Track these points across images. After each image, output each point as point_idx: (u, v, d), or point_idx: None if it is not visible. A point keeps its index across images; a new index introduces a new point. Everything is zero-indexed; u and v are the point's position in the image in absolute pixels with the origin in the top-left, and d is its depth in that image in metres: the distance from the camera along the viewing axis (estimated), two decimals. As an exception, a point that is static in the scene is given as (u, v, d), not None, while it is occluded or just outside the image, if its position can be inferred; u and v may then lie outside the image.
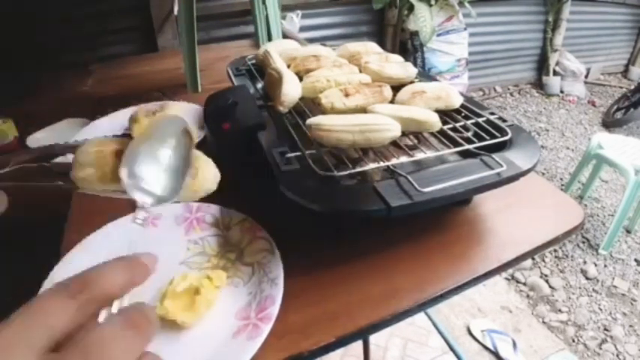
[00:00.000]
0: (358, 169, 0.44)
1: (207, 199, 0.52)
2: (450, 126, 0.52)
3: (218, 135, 0.55)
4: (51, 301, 0.19)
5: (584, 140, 2.70)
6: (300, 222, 0.47)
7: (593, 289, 1.60)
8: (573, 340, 1.39)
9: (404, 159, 0.48)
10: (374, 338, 1.32)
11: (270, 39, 1.16)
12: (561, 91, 3.36)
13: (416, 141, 0.52)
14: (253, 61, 0.74)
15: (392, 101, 0.56)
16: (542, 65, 3.41)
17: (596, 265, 1.70)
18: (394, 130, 0.47)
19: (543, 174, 2.33)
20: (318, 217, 0.39)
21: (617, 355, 1.35)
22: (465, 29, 2.61)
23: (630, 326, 1.45)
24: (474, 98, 0.64)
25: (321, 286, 0.42)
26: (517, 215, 0.52)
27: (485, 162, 0.44)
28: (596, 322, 1.46)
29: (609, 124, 2.96)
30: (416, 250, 0.46)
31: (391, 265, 0.45)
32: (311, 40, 1.52)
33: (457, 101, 0.55)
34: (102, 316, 0.21)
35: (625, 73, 3.98)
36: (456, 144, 0.49)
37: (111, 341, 0.19)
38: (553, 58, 3.31)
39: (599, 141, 1.86)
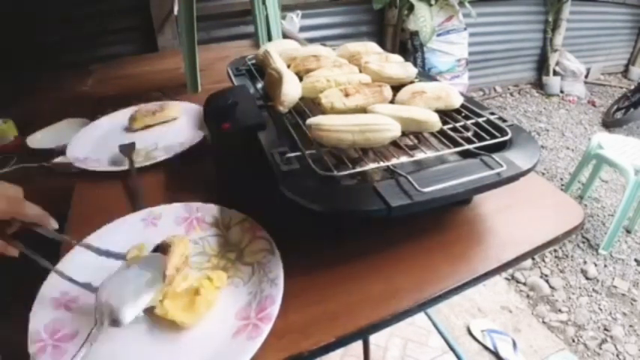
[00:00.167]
0: (358, 169, 0.44)
1: (208, 198, 0.52)
2: (450, 126, 0.52)
3: (218, 135, 0.55)
4: None
5: (584, 140, 2.70)
6: (300, 222, 0.47)
7: (593, 289, 1.60)
8: (573, 340, 1.39)
9: (404, 159, 0.48)
10: (374, 338, 1.32)
11: (270, 39, 1.16)
12: (561, 91, 3.36)
13: (416, 141, 0.52)
14: (253, 61, 0.74)
15: (392, 101, 0.56)
16: (542, 65, 3.41)
17: (596, 265, 1.70)
18: (394, 130, 0.47)
19: (543, 174, 2.33)
20: (318, 217, 0.39)
21: (617, 355, 1.35)
22: (465, 29, 2.60)
23: (630, 326, 1.45)
24: (474, 98, 0.64)
25: (321, 286, 0.42)
26: (517, 215, 0.52)
27: (485, 162, 0.44)
28: (596, 322, 1.46)
29: (609, 124, 2.96)
30: (416, 250, 0.46)
31: (391, 265, 0.45)
32: (311, 40, 1.52)
33: (457, 101, 0.55)
34: None
35: (625, 73, 3.97)
36: (456, 144, 0.49)
37: None
38: (553, 58, 3.31)
39: (599, 141, 1.86)
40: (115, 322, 0.35)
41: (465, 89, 2.73)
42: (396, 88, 0.58)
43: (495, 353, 1.31)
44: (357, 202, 0.39)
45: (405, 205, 0.38)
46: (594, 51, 3.68)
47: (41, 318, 0.38)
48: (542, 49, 3.36)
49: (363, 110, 0.52)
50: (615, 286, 1.61)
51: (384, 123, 0.46)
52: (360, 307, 0.40)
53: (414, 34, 2.48)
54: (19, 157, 0.84)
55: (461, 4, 2.50)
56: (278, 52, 0.67)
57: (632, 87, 3.20)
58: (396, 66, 0.62)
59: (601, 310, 1.51)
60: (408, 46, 2.58)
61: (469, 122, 0.52)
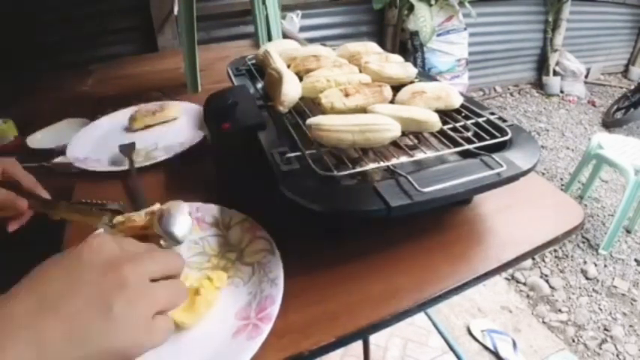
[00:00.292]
0: (358, 169, 0.44)
1: (208, 198, 0.52)
2: (450, 126, 0.52)
3: (218, 135, 0.55)
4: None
5: (584, 140, 2.70)
6: (300, 222, 0.47)
7: (593, 289, 1.60)
8: (573, 340, 1.39)
9: (404, 159, 0.48)
10: (374, 338, 1.32)
11: (270, 39, 1.16)
12: (561, 91, 3.36)
13: (416, 141, 0.52)
14: (253, 61, 0.74)
15: (392, 101, 0.56)
16: (542, 65, 3.41)
17: (596, 265, 1.70)
18: (394, 130, 0.47)
19: (543, 174, 2.33)
20: (318, 217, 0.39)
21: (617, 355, 1.35)
22: (465, 29, 2.61)
23: (630, 326, 1.45)
24: (474, 98, 0.64)
25: (321, 286, 0.42)
26: (517, 215, 0.52)
27: (485, 162, 0.44)
28: (596, 322, 1.46)
29: (609, 124, 2.96)
30: (416, 250, 0.46)
31: (391, 265, 0.45)
32: (311, 40, 1.52)
33: (457, 101, 0.55)
34: None
35: (625, 73, 3.98)
36: (456, 144, 0.49)
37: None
38: (553, 58, 3.31)
39: (599, 141, 1.86)
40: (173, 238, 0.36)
41: (465, 89, 2.73)
42: (396, 88, 0.58)
43: (495, 353, 1.31)
44: (357, 202, 0.39)
45: (405, 205, 0.38)
46: (594, 51, 3.69)
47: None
48: (542, 49, 3.36)
49: (363, 110, 0.52)
50: (615, 286, 1.61)
51: (384, 123, 0.46)
52: (360, 307, 0.40)
53: (414, 34, 2.48)
54: (19, 157, 0.84)
55: (461, 4, 2.50)
56: (278, 52, 0.67)
57: (632, 87, 3.20)
58: (396, 66, 0.62)
59: (601, 310, 1.51)
60: (408, 46, 2.58)
61: (469, 122, 0.52)
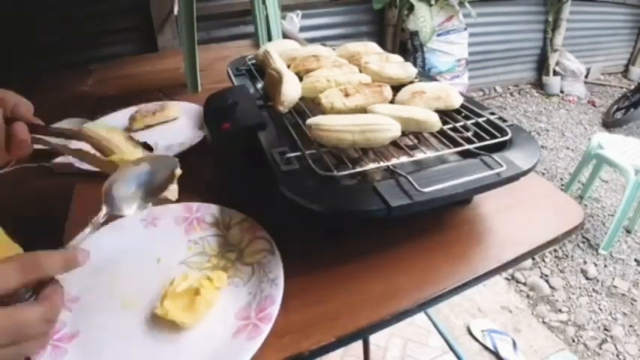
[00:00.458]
0: (358, 169, 0.44)
1: (208, 198, 0.52)
2: (450, 126, 0.52)
3: (218, 135, 0.55)
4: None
5: (584, 140, 2.70)
6: (300, 222, 0.47)
7: (593, 289, 1.60)
8: (573, 340, 1.39)
9: (404, 159, 0.48)
10: (374, 338, 1.32)
11: (270, 39, 1.16)
12: (561, 91, 3.36)
13: (416, 141, 0.52)
14: (253, 61, 0.74)
15: (392, 101, 0.56)
16: (542, 65, 3.41)
17: (596, 265, 1.70)
18: (394, 130, 0.47)
19: (543, 174, 2.33)
20: (318, 217, 0.39)
21: (617, 355, 1.35)
22: (465, 29, 2.60)
23: (630, 326, 1.45)
24: (474, 98, 0.64)
25: (321, 286, 0.42)
26: (517, 215, 0.52)
27: (485, 162, 0.44)
28: (596, 322, 1.46)
29: (609, 124, 2.96)
30: (416, 250, 0.46)
31: (391, 265, 0.45)
32: (311, 40, 1.52)
33: (457, 101, 0.55)
34: None
35: (625, 73, 3.97)
36: (456, 144, 0.49)
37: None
38: (553, 58, 3.31)
39: (599, 141, 1.86)
40: (118, 210, 0.37)
41: (465, 89, 2.73)
42: (396, 88, 0.58)
43: (495, 353, 1.31)
44: (357, 202, 0.39)
45: (405, 205, 0.38)
46: (594, 51, 3.69)
47: (41, 318, 0.38)
48: (542, 49, 3.36)
49: (363, 110, 0.52)
50: (615, 286, 1.61)
51: (384, 123, 0.46)
52: (360, 307, 0.40)
53: (414, 34, 2.48)
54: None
55: (461, 4, 2.50)
56: (278, 52, 0.67)
57: (632, 87, 3.20)
58: (396, 66, 0.62)
59: (601, 310, 1.51)
60: (408, 46, 2.58)
61: (469, 122, 0.52)
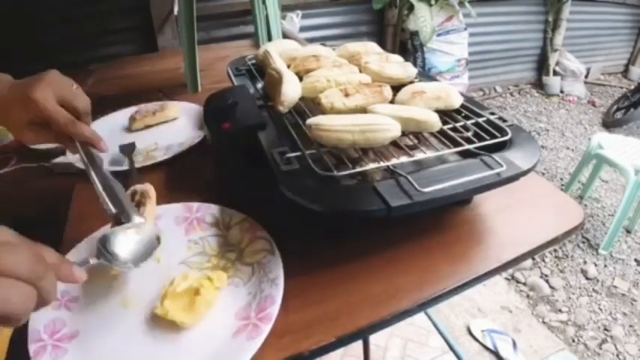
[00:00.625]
0: (358, 169, 0.44)
1: (207, 198, 0.52)
2: (450, 126, 0.52)
3: (218, 135, 0.55)
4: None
5: (584, 140, 2.70)
6: (300, 222, 0.47)
7: (593, 289, 1.60)
8: (573, 340, 1.39)
9: (404, 159, 0.48)
10: (374, 338, 1.32)
11: (270, 39, 1.16)
12: (561, 91, 3.36)
13: (416, 141, 0.52)
14: (253, 61, 0.74)
15: (392, 101, 0.56)
16: (542, 65, 3.41)
17: (596, 265, 1.70)
18: (394, 130, 0.47)
19: (543, 174, 2.33)
20: (318, 217, 0.39)
21: (617, 355, 1.35)
22: (465, 29, 2.60)
23: (630, 326, 1.45)
24: (474, 98, 0.64)
25: (321, 286, 0.42)
26: (517, 215, 0.52)
27: (485, 162, 0.44)
28: (596, 322, 1.46)
29: (609, 124, 2.96)
30: (416, 250, 0.46)
31: (391, 265, 0.45)
32: (311, 40, 1.52)
33: (457, 101, 0.55)
34: None
35: (625, 73, 3.97)
36: (456, 144, 0.49)
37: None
38: (553, 58, 3.31)
39: (599, 141, 1.86)
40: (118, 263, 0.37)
41: (465, 89, 2.73)
42: (396, 88, 0.58)
43: (495, 353, 1.31)
44: (357, 202, 0.39)
45: (405, 205, 0.38)
46: (594, 51, 3.68)
47: (41, 318, 0.38)
48: (542, 49, 3.36)
49: (363, 110, 0.52)
50: (615, 286, 1.61)
51: (384, 123, 0.46)
52: (360, 307, 0.40)
53: (414, 34, 2.48)
54: (19, 157, 0.84)
55: (461, 4, 2.50)
56: (278, 52, 0.67)
57: (632, 87, 3.20)
58: (396, 66, 0.62)
59: (601, 310, 1.51)
60: (408, 46, 2.58)
61: (469, 122, 0.52)
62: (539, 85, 3.45)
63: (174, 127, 0.78)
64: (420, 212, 0.41)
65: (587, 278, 1.65)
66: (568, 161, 2.47)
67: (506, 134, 0.48)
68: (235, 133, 0.52)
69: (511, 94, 3.32)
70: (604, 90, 3.60)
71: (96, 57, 1.62)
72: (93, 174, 0.43)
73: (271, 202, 0.44)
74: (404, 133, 0.49)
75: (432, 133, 0.51)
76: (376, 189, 0.39)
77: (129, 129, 0.77)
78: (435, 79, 0.64)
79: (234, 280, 0.43)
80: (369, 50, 0.71)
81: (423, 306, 0.41)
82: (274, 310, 0.38)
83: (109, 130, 0.77)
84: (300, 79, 0.58)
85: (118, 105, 0.84)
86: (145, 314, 0.39)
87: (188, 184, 0.60)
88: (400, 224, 0.48)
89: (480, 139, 0.49)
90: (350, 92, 0.52)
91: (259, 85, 0.66)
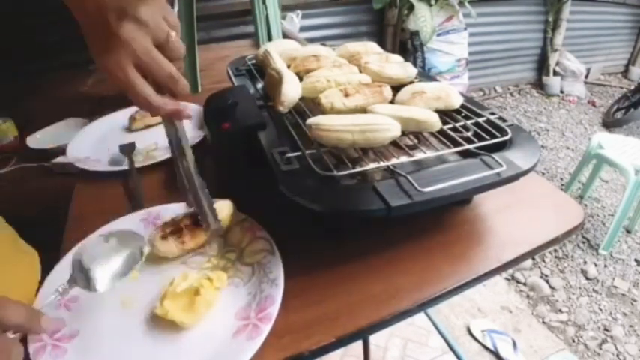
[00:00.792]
0: (358, 169, 0.44)
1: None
2: (450, 126, 0.52)
3: (218, 135, 0.55)
4: None
5: (584, 140, 2.70)
6: (300, 222, 0.47)
7: (593, 289, 1.60)
8: (573, 340, 1.39)
9: (404, 159, 0.48)
10: (374, 338, 1.32)
11: (270, 39, 1.16)
12: (561, 91, 3.36)
13: (416, 141, 0.52)
14: (253, 61, 0.74)
15: (392, 101, 0.56)
16: (542, 65, 3.41)
17: (596, 265, 1.70)
18: (394, 130, 0.47)
19: (543, 174, 2.33)
20: (318, 217, 0.39)
21: (617, 355, 1.35)
22: (465, 29, 2.61)
23: (630, 326, 1.45)
24: (474, 98, 0.64)
25: (321, 286, 0.42)
26: (517, 215, 0.52)
27: (485, 162, 0.44)
28: (596, 322, 1.46)
29: (609, 124, 2.96)
30: (416, 250, 0.46)
31: (391, 265, 0.45)
32: (311, 40, 1.52)
33: (457, 101, 0.55)
34: None
35: (625, 73, 3.98)
36: (456, 144, 0.49)
37: None
38: (553, 58, 3.31)
39: (599, 141, 1.86)
40: (90, 285, 0.37)
41: (465, 89, 2.73)
42: (396, 88, 0.58)
43: (495, 353, 1.31)
44: (357, 202, 0.39)
45: (405, 205, 0.38)
46: (594, 51, 3.69)
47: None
48: (542, 49, 3.36)
49: (363, 110, 0.52)
50: (615, 286, 1.61)
51: (384, 123, 0.46)
52: (360, 307, 0.40)
53: (414, 34, 2.48)
54: (19, 157, 0.84)
55: (461, 4, 2.50)
56: (278, 52, 0.67)
57: (632, 87, 3.20)
58: (396, 66, 0.62)
59: (601, 310, 1.51)
60: (408, 46, 2.58)
61: (469, 122, 0.52)
62: (539, 85, 3.45)
63: (174, 127, 0.77)
64: (420, 212, 0.41)
65: (587, 278, 1.65)
66: (568, 161, 2.47)
67: (506, 134, 0.48)
68: (235, 133, 0.52)
69: (511, 94, 3.33)
70: (604, 90, 3.60)
71: (96, 57, 1.61)
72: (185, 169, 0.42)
73: (271, 202, 0.44)
74: (404, 133, 0.49)
75: (432, 133, 0.51)
76: (376, 189, 0.39)
77: (129, 129, 0.77)
78: (435, 79, 0.64)
79: (234, 280, 0.43)
80: (369, 50, 0.71)
81: (423, 306, 0.41)
82: (274, 310, 0.38)
83: (109, 130, 0.77)
84: (300, 79, 0.58)
85: (118, 105, 0.83)
86: (145, 314, 0.39)
87: (188, 184, 0.60)
88: (400, 224, 0.48)
89: (480, 139, 0.49)
90: (350, 92, 0.52)
91: (259, 85, 0.66)
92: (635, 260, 1.73)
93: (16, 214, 0.56)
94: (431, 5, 2.37)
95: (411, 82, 0.60)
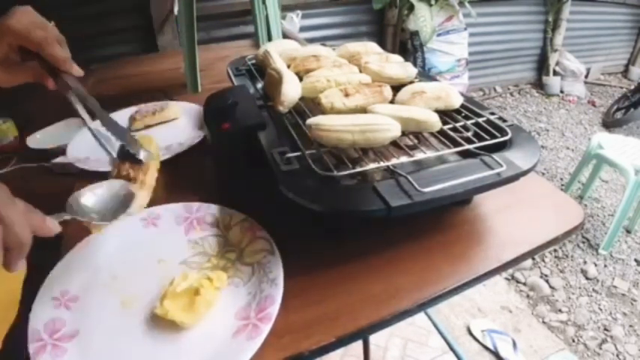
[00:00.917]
0: (358, 169, 0.44)
1: (207, 198, 0.52)
2: (450, 126, 0.52)
3: (218, 135, 0.55)
4: None
5: (584, 140, 2.70)
6: (300, 222, 0.47)
7: (593, 289, 1.60)
8: (573, 340, 1.39)
9: (404, 159, 0.48)
10: (374, 338, 1.32)
11: (270, 39, 1.16)
12: (561, 91, 3.36)
13: (416, 141, 0.52)
14: (253, 61, 0.74)
15: (392, 101, 0.56)
16: (542, 65, 3.41)
17: (596, 265, 1.70)
18: (394, 130, 0.47)
19: (543, 174, 2.33)
20: (318, 217, 0.39)
21: (617, 355, 1.35)
22: (465, 29, 2.60)
23: (630, 326, 1.45)
24: (474, 98, 0.64)
25: (321, 286, 0.42)
26: (517, 215, 0.52)
27: (485, 162, 0.44)
28: (596, 322, 1.46)
29: (609, 124, 2.96)
30: (416, 250, 0.46)
31: (391, 265, 0.45)
32: (311, 40, 1.52)
33: (457, 101, 0.55)
34: None
35: (625, 73, 3.97)
36: (456, 144, 0.49)
37: None
38: (553, 58, 3.31)
39: (599, 141, 1.86)
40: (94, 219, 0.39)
41: (465, 89, 2.73)
42: (396, 88, 0.58)
43: (495, 353, 1.31)
44: (357, 202, 0.39)
45: (405, 205, 0.38)
46: (594, 51, 3.69)
47: (41, 317, 0.38)
48: (542, 49, 3.36)
49: (363, 110, 0.52)
50: (615, 286, 1.61)
51: (384, 123, 0.46)
52: (360, 307, 0.40)
53: (414, 34, 2.48)
54: (19, 157, 0.84)
55: (461, 4, 2.50)
56: (278, 52, 0.67)
57: (632, 87, 3.20)
58: (396, 66, 0.62)
59: (601, 310, 1.51)
60: (408, 46, 2.58)
61: (469, 122, 0.52)
62: (539, 85, 3.45)
63: (175, 127, 0.78)
64: (420, 212, 0.41)
65: (587, 278, 1.65)
66: (568, 161, 2.47)
67: (506, 134, 0.48)
68: (235, 133, 0.52)
69: (511, 94, 3.33)
70: (604, 90, 3.60)
71: (96, 57, 1.62)
72: (83, 111, 0.44)
73: (271, 202, 0.44)
74: (404, 133, 0.49)
75: (432, 133, 0.51)
76: (376, 189, 0.39)
77: (129, 129, 0.77)
78: (435, 79, 0.64)
79: (234, 280, 0.43)
80: (369, 50, 0.71)
81: (423, 306, 0.41)
82: (274, 310, 0.38)
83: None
84: (300, 79, 0.59)
85: (118, 105, 0.84)
86: (145, 314, 0.39)
87: (188, 184, 0.60)
88: (400, 224, 0.48)
89: (480, 139, 0.49)
90: (350, 92, 0.52)
91: (259, 85, 0.66)
92: (635, 260, 1.73)
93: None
94: (431, 5, 2.37)
95: (411, 82, 0.60)
